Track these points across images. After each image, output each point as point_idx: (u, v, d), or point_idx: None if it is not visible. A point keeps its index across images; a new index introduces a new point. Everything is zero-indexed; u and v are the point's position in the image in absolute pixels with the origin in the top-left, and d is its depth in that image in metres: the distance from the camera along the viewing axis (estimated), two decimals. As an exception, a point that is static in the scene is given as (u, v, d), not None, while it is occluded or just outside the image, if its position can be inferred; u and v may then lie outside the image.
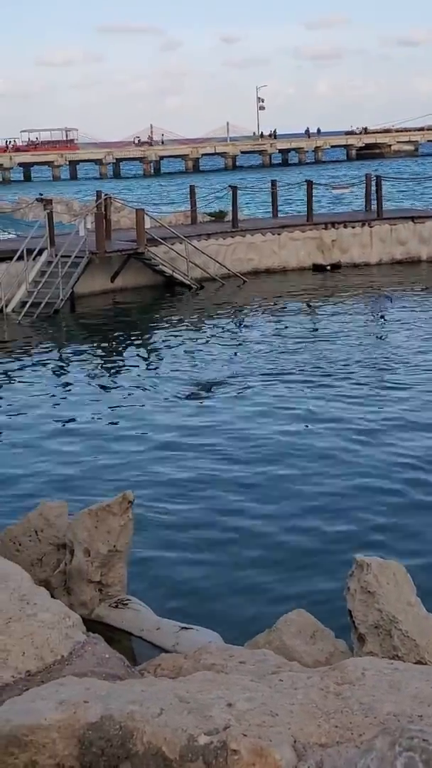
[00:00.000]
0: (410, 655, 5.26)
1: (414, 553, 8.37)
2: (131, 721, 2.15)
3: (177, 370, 16.27)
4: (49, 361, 17.75)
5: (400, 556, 6.85)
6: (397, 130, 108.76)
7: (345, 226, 27.66)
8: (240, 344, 18.49)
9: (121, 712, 2.19)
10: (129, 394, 14.86)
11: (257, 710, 2.28)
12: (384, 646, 5.34)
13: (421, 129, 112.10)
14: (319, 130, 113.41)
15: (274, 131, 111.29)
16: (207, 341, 18.90)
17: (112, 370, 17.05)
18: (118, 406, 14.21)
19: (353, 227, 27.68)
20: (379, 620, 5.38)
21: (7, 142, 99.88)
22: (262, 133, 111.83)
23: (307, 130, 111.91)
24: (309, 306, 22.65)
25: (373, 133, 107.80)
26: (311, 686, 2.46)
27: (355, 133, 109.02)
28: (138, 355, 18.22)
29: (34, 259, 22.72)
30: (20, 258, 22.27)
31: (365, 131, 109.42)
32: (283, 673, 2.60)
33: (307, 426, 12.55)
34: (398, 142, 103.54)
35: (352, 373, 15.34)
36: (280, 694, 2.41)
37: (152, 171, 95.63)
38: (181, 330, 20.27)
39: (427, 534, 9.05)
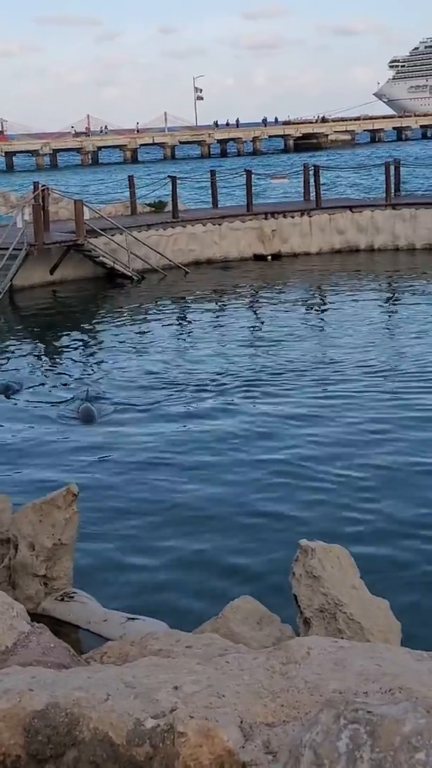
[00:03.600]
0: (355, 638, 5.32)
1: (357, 537, 8.48)
2: (77, 707, 2.14)
3: (117, 367, 16.08)
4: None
5: (344, 540, 6.91)
6: (334, 120, 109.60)
7: (285, 216, 27.78)
8: (184, 340, 18.32)
9: (66, 699, 2.18)
10: (69, 390, 14.70)
11: (204, 692, 2.29)
12: (329, 629, 5.39)
13: (358, 118, 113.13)
14: (276, 119, 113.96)
15: (237, 120, 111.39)
16: (149, 336, 18.77)
17: (51, 365, 16.88)
18: (58, 402, 14.06)
19: (293, 217, 27.82)
20: (324, 604, 5.43)
21: None
22: (216, 122, 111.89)
23: (264, 120, 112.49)
24: (252, 297, 22.69)
25: (333, 122, 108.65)
26: (257, 667, 2.47)
27: (312, 122, 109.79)
28: (79, 349, 18.04)
29: (-29, 251, 22.39)
30: (-43, 251, 21.94)
31: (323, 120, 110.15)
32: (229, 656, 2.61)
33: (249, 423, 12.53)
34: (335, 131, 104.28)
35: (296, 376, 14.63)
36: (227, 675, 2.42)
37: (90, 161, 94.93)
38: (122, 323, 20.15)
39: (368, 518, 9.19)
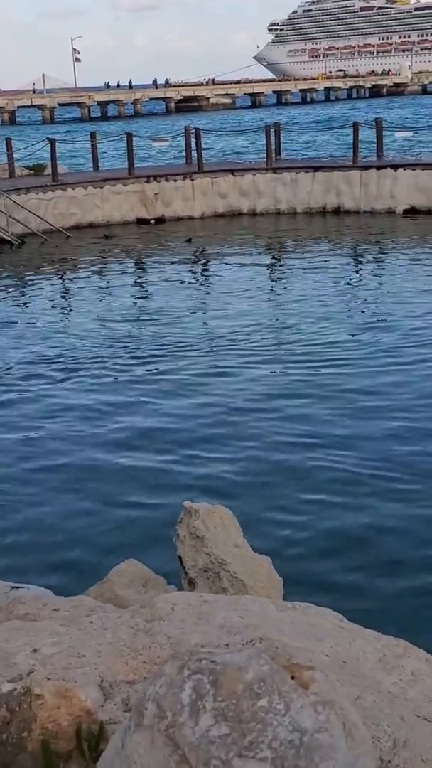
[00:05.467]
0: (239, 595, 5.39)
1: (239, 496, 8.58)
2: None
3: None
4: None
5: (227, 500, 6.96)
6: (215, 83, 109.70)
7: (167, 180, 27.61)
8: (66, 309, 17.97)
9: None
10: None
11: (64, 653, 2.27)
12: (213, 588, 5.44)
13: (239, 82, 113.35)
14: (167, 81, 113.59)
15: (129, 82, 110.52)
16: (28, 304, 18.35)
17: None
18: None
19: (175, 180, 27.66)
20: (208, 564, 5.47)
21: None
22: (107, 83, 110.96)
23: (155, 81, 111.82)
24: (137, 262, 22.49)
25: (214, 84, 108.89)
26: (121, 625, 2.47)
27: (200, 85, 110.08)
28: None
29: None
30: None
31: (212, 82, 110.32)
32: (93, 616, 2.60)
33: (135, 394, 12.48)
34: (216, 95, 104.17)
35: (180, 347, 14.27)
36: (89, 635, 2.41)
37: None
38: (1, 291, 19.66)
39: (247, 478, 9.31)
